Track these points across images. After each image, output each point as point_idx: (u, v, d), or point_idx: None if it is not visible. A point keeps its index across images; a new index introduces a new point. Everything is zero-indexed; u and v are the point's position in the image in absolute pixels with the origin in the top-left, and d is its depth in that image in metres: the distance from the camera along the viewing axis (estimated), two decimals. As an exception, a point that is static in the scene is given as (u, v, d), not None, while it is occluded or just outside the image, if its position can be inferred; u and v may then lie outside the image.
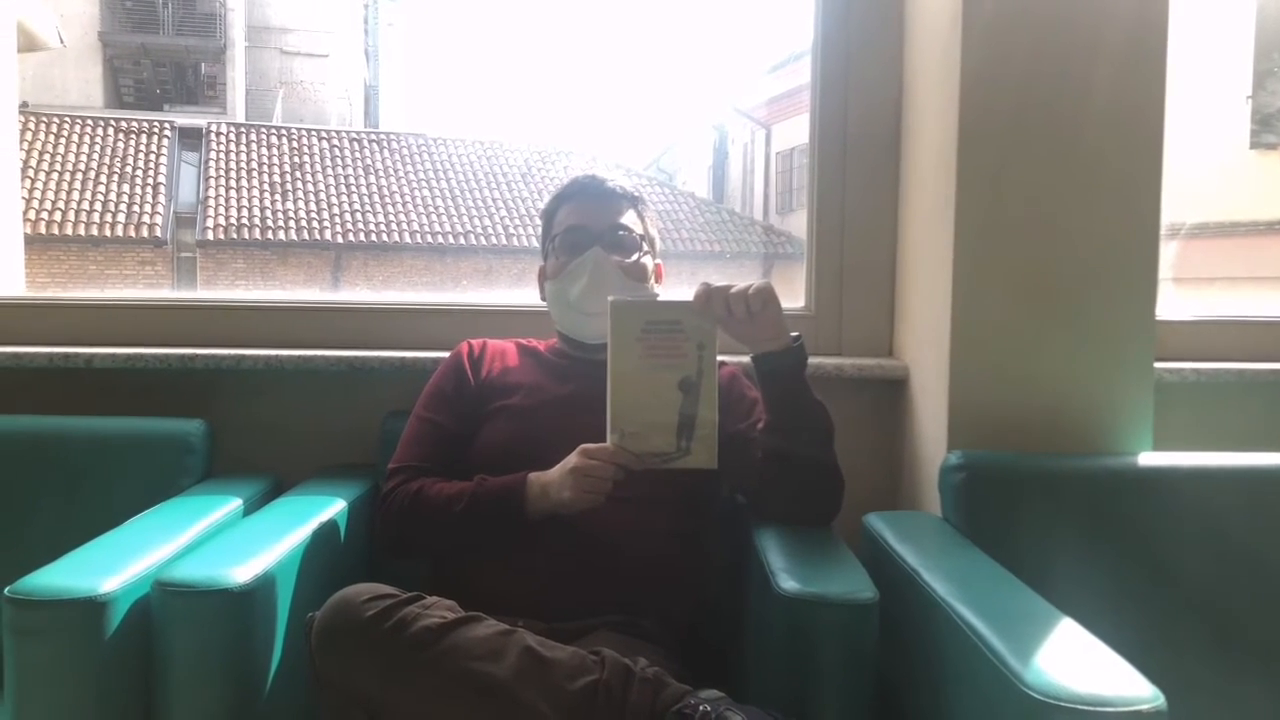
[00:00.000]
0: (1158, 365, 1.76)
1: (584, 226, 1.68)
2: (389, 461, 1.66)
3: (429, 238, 6.36)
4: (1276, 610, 1.54)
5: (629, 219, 1.71)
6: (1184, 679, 1.16)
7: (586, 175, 1.73)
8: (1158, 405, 1.74)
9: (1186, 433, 1.77)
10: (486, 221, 6.38)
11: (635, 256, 1.69)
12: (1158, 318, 1.74)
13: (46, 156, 6.44)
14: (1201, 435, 1.77)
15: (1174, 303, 2.04)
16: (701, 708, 1.16)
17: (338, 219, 6.44)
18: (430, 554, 1.63)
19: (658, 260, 1.76)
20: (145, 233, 6.38)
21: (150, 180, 6.57)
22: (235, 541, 1.44)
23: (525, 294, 2.13)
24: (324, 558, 1.55)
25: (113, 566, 1.32)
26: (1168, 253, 1.83)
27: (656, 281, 1.75)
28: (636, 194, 1.75)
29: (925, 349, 1.87)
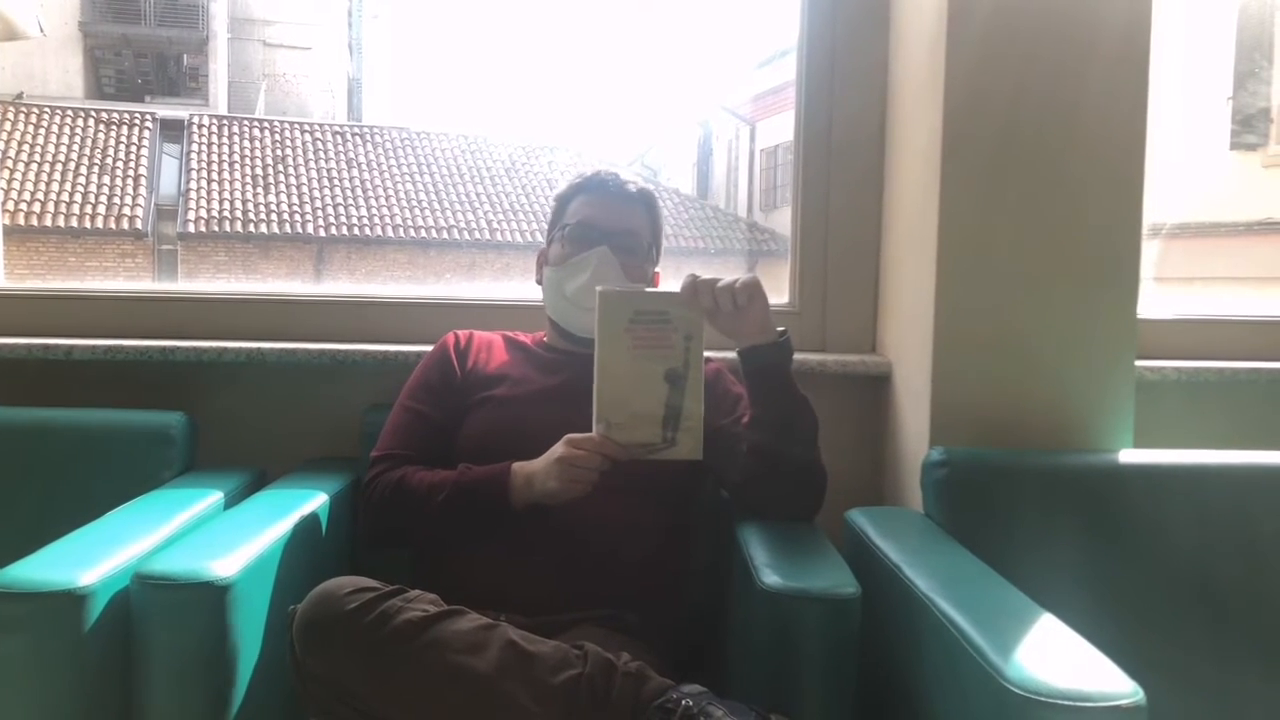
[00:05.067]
0: (1139, 363, 1.77)
1: (596, 223, 1.68)
2: (371, 452, 1.65)
3: (412, 232, 6.33)
4: (1257, 602, 1.55)
5: (641, 225, 1.71)
6: (1165, 673, 1.17)
7: (609, 172, 1.73)
8: (1139, 403, 1.75)
9: (1167, 430, 1.78)
10: (470, 216, 6.35)
11: (641, 263, 1.69)
12: (1139, 316, 1.75)
13: (25, 147, 6.38)
14: (1182, 433, 1.79)
15: (1155, 302, 2.06)
16: (684, 702, 1.16)
17: (320, 212, 6.40)
18: (412, 544, 1.63)
19: (656, 269, 1.76)
20: (126, 225, 6.32)
21: (131, 172, 6.52)
22: (216, 534, 1.43)
23: (508, 288, 2.12)
24: (306, 551, 1.54)
25: (92, 559, 1.32)
26: (1150, 252, 1.84)
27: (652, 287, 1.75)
28: (653, 201, 1.75)
29: (909, 346, 1.87)
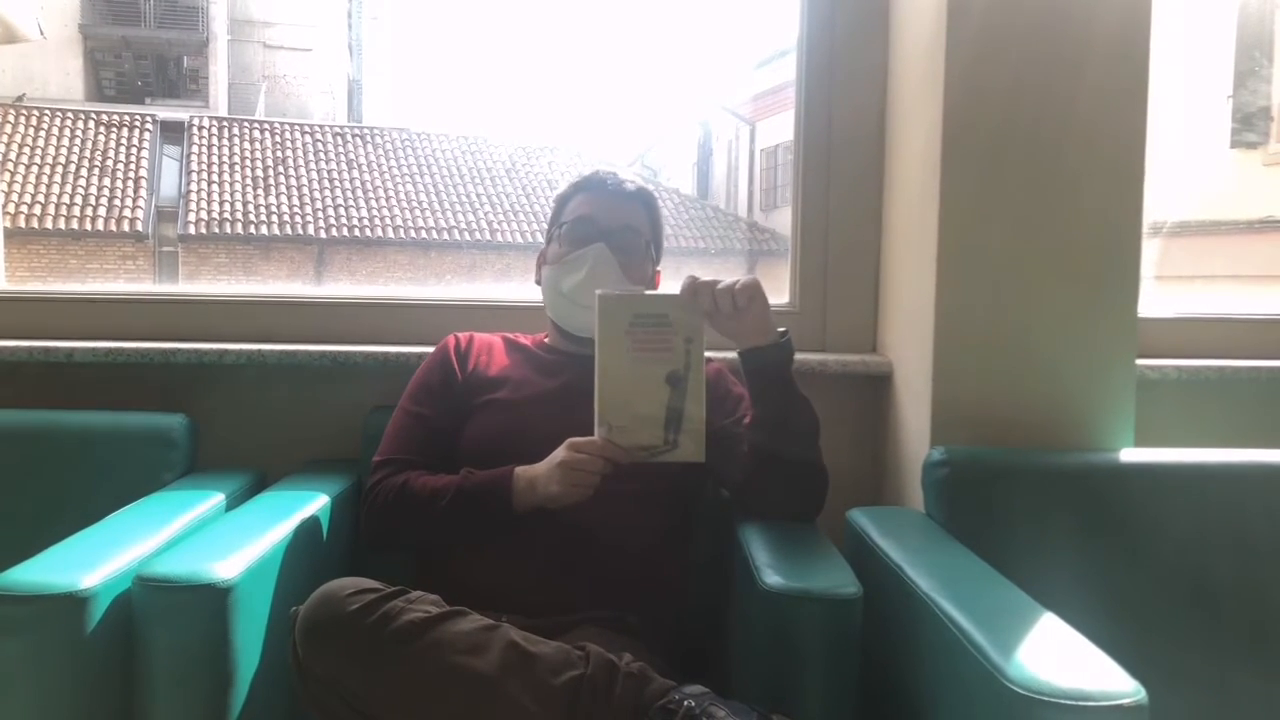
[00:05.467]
0: (1140, 362, 1.77)
1: (593, 219, 1.68)
2: (374, 455, 1.65)
3: (412, 233, 6.32)
4: (1260, 601, 1.55)
5: (640, 222, 1.71)
6: (1166, 672, 1.17)
7: (608, 171, 1.73)
8: (1139, 402, 1.75)
9: (1168, 429, 1.78)
10: (470, 217, 6.35)
11: (639, 261, 1.69)
12: (1140, 315, 1.75)
13: (26, 150, 6.37)
14: (1182, 431, 1.79)
15: (1156, 300, 2.06)
16: (686, 703, 1.16)
17: (321, 214, 6.39)
18: (416, 548, 1.63)
19: (658, 268, 1.76)
20: (126, 227, 6.32)
21: (131, 174, 6.51)
22: (218, 536, 1.44)
23: (509, 289, 2.13)
24: (307, 552, 1.55)
25: (94, 561, 1.32)
26: (1150, 251, 1.84)
27: (653, 288, 1.75)
28: (652, 201, 1.75)
29: (909, 345, 1.87)
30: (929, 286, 1.74)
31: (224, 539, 1.41)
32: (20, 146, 6.38)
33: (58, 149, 6.52)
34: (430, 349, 1.77)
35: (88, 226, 6.28)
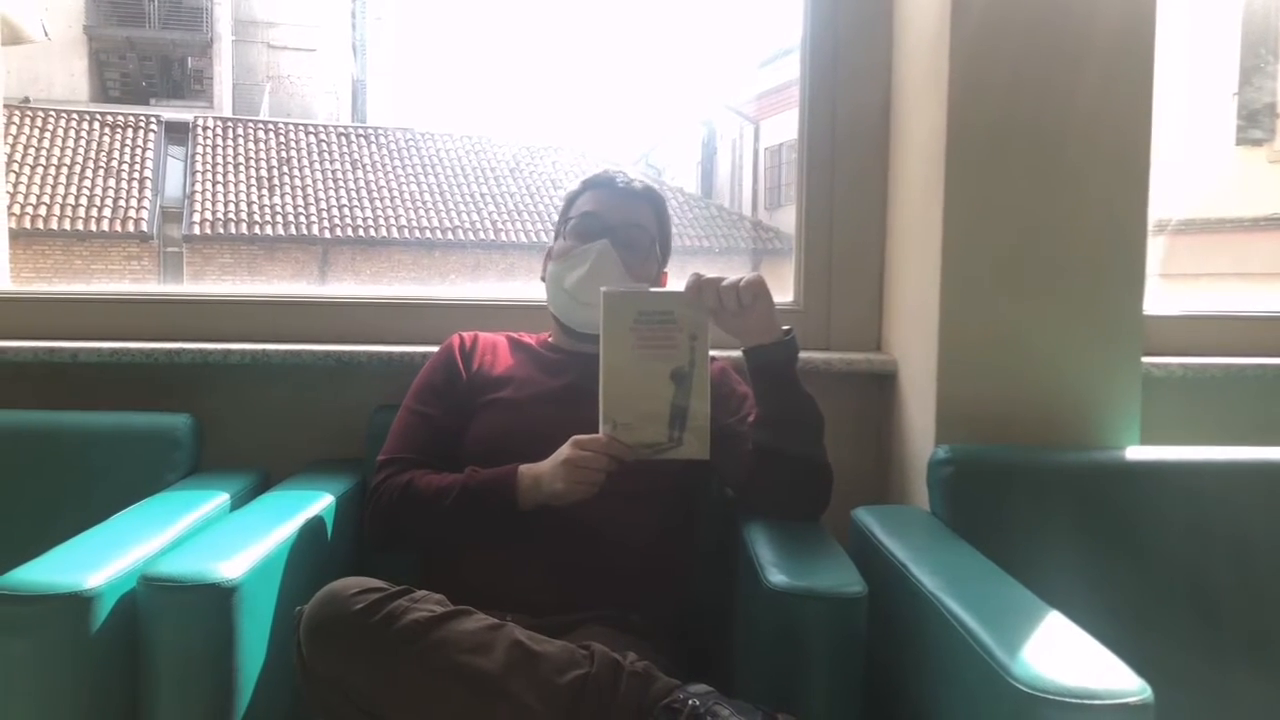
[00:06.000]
0: (1145, 360, 1.77)
1: (599, 215, 1.68)
2: (378, 454, 1.65)
3: (417, 232, 6.33)
4: (1262, 601, 1.55)
5: (647, 219, 1.71)
6: (1171, 670, 1.16)
7: (618, 170, 1.73)
8: (1145, 399, 1.74)
9: (1173, 427, 1.77)
10: (474, 216, 6.35)
11: (643, 260, 1.69)
12: (1145, 313, 1.74)
13: (31, 151, 6.38)
14: (1188, 429, 1.78)
15: (1161, 298, 2.05)
16: (690, 702, 1.16)
17: (325, 214, 6.40)
18: (420, 546, 1.63)
19: (664, 270, 1.76)
20: (131, 227, 6.32)
21: (136, 174, 6.51)
22: (222, 536, 1.44)
23: (513, 289, 2.13)
24: (312, 552, 1.55)
25: (98, 561, 1.32)
26: (1155, 248, 1.84)
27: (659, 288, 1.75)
28: (660, 202, 1.75)
29: (914, 344, 1.87)
30: (933, 284, 1.74)
31: (228, 539, 1.41)
32: (25, 147, 6.38)
33: (62, 150, 6.53)
34: (434, 349, 1.77)
35: (93, 227, 6.29)
